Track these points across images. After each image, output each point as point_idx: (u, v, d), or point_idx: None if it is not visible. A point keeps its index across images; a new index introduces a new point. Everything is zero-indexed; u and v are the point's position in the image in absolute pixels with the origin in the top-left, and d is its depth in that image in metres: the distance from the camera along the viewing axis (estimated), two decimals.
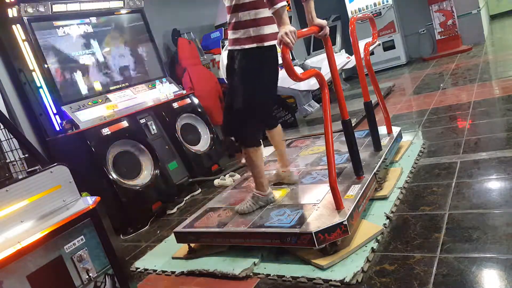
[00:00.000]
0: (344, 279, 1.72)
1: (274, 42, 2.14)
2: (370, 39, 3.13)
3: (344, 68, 5.22)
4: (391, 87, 5.58)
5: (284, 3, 2.00)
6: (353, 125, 2.80)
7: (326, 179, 2.25)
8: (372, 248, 1.89)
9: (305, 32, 2.14)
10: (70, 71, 3.44)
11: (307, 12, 2.20)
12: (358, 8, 7.63)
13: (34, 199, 1.64)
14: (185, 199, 3.54)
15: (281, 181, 2.63)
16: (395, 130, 3.03)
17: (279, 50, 2.23)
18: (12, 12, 3.11)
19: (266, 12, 2.09)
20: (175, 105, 3.83)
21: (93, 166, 3.04)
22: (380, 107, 3.06)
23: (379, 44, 7.21)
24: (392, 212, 2.18)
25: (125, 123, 3.33)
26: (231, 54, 2.24)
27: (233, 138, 2.35)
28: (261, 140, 2.33)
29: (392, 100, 4.93)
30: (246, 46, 2.11)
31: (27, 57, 3.18)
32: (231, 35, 2.18)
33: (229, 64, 2.28)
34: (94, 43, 3.67)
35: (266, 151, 3.95)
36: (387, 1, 7.33)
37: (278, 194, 2.46)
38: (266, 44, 2.12)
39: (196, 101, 4.07)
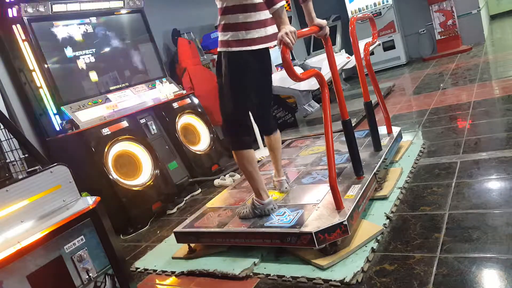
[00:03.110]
0: (344, 279, 1.72)
1: (262, 46, 2.11)
2: (370, 39, 3.13)
3: (344, 68, 5.23)
4: (391, 87, 5.58)
5: (283, 2, 1.99)
6: (353, 125, 2.80)
7: (326, 179, 2.25)
8: (372, 248, 1.89)
9: (305, 32, 2.14)
10: (70, 71, 3.44)
11: (306, 13, 2.19)
12: (358, 8, 7.63)
13: (34, 199, 1.64)
14: (185, 199, 3.53)
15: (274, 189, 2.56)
16: (395, 130, 3.03)
17: (269, 49, 2.22)
18: (12, 12, 3.11)
19: (255, 16, 2.07)
20: (175, 105, 3.83)
21: (93, 166, 3.04)
22: (380, 107, 3.06)
23: (379, 44, 7.21)
24: (392, 212, 2.18)
25: (125, 123, 3.33)
26: (219, 55, 2.20)
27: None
28: (250, 145, 2.23)
29: (392, 100, 4.93)
30: (234, 49, 2.08)
31: (27, 57, 3.18)
32: (220, 36, 2.16)
33: (218, 66, 2.25)
34: (94, 43, 3.67)
35: (266, 151, 3.96)
36: (387, 1, 7.33)
37: (278, 194, 2.46)
38: (254, 48, 2.09)
39: (196, 101, 4.07)
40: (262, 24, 2.10)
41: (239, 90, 2.15)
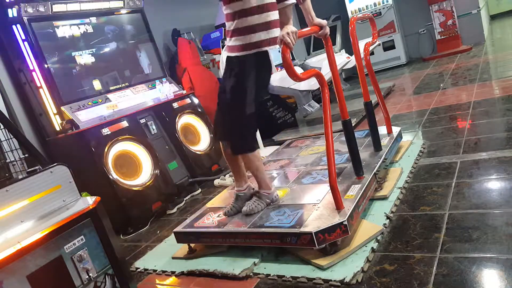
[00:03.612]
0: (344, 279, 1.72)
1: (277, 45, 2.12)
2: (370, 39, 3.13)
3: (344, 68, 5.22)
4: (391, 87, 5.58)
5: (294, 0, 2.01)
6: (353, 125, 2.80)
7: (326, 179, 2.25)
8: (372, 248, 1.89)
9: (305, 32, 2.14)
10: (70, 71, 3.44)
11: (305, 13, 2.20)
12: (358, 8, 7.63)
13: (34, 199, 1.64)
14: (185, 199, 3.53)
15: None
16: (395, 130, 3.03)
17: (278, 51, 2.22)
18: (12, 12, 3.11)
19: (273, 16, 2.08)
20: (175, 105, 3.83)
21: (93, 166, 3.04)
22: (380, 107, 3.06)
23: (379, 44, 7.21)
24: (392, 212, 2.18)
25: (125, 123, 3.33)
26: (234, 60, 2.14)
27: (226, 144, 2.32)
28: (257, 145, 2.32)
29: (392, 100, 4.93)
30: (255, 51, 2.06)
31: (27, 57, 3.18)
32: (235, 41, 2.10)
33: (227, 70, 2.20)
34: (94, 43, 3.67)
35: (266, 151, 3.96)
36: (387, 1, 7.33)
37: (278, 194, 2.46)
38: (272, 47, 2.10)
39: (196, 101, 4.07)
40: (278, 23, 2.10)
41: (259, 90, 2.16)
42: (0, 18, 3.14)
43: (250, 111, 2.14)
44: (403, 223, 2.05)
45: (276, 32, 2.09)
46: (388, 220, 2.11)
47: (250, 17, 2.04)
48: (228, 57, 2.19)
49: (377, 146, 2.71)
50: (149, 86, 3.98)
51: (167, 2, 5.28)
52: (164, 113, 3.73)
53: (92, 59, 3.61)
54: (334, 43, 7.40)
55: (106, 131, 3.15)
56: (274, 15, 2.09)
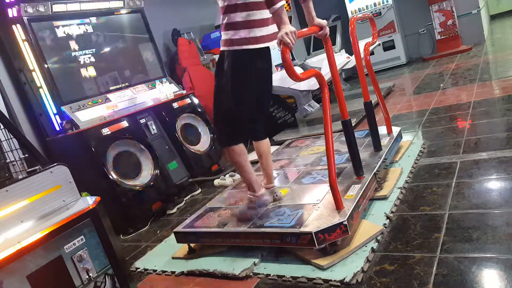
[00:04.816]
0: (344, 279, 1.72)
1: (265, 44, 2.12)
2: (370, 39, 3.14)
3: (344, 68, 5.23)
4: (391, 87, 5.58)
5: (283, 2, 2.00)
6: (353, 125, 2.80)
7: (326, 179, 2.25)
8: (372, 248, 1.89)
9: (305, 32, 2.15)
10: (70, 71, 3.44)
11: (306, 13, 2.19)
12: (358, 8, 7.63)
13: (34, 199, 1.64)
14: (185, 199, 3.53)
15: None
16: (395, 130, 3.03)
17: (273, 49, 2.23)
18: (12, 12, 3.11)
19: (258, 15, 2.08)
20: (175, 105, 3.83)
21: (93, 166, 3.04)
22: (380, 107, 3.06)
23: (379, 44, 7.20)
24: (392, 212, 2.18)
25: (125, 123, 3.33)
26: (222, 55, 2.21)
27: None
28: (240, 140, 2.27)
29: (392, 100, 4.93)
30: (237, 48, 2.09)
31: (27, 57, 3.18)
32: (223, 35, 2.16)
33: (219, 64, 2.26)
34: (94, 43, 3.67)
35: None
36: (387, 1, 7.33)
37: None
38: (257, 46, 2.10)
39: (196, 101, 4.07)
40: (265, 22, 2.10)
41: (241, 88, 2.15)
42: (0, 18, 3.14)
43: (229, 105, 2.16)
44: (403, 223, 2.05)
45: (264, 31, 2.09)
46: (388, 220, 2.11)
47: (237, 13, 2.06)
48: (220, 51, 2.23)
49: (377, 146, 2.71)
50: (149, 86, 3.98)
51: (167, 2, 5.28)
52: (164, 113, 3.73)
53: (92, 59, 3.61)
54: (334, 43, 7.40)
55: (106, 131, 3.15)
56: (261, 14, 2.08)
